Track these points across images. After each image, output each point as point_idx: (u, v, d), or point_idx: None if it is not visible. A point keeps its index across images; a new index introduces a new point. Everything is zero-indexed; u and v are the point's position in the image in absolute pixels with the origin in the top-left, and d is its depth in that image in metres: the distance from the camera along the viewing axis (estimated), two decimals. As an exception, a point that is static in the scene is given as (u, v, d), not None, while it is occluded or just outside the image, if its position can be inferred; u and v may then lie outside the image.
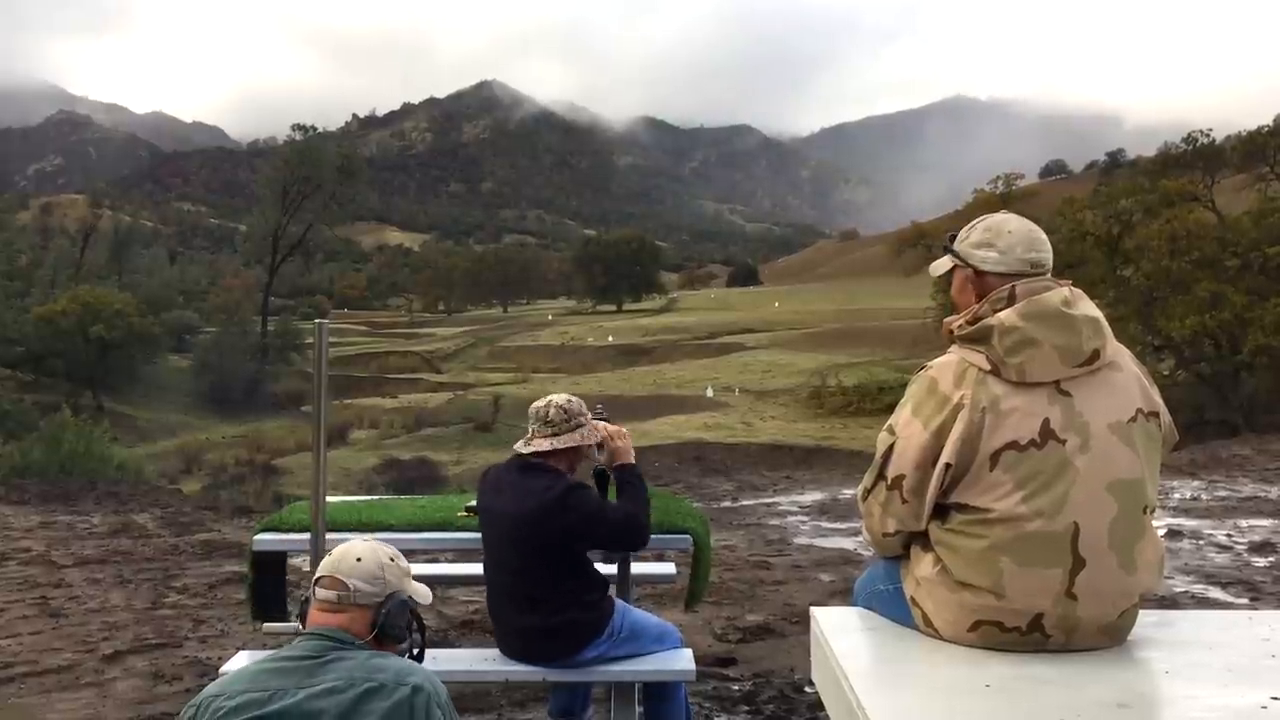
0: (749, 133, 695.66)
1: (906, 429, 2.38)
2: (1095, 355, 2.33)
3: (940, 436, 2.31)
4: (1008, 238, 2.45)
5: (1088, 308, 2.38)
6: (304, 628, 2.24)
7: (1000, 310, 2.35)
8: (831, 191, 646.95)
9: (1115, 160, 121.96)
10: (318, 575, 2.27)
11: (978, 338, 2.36)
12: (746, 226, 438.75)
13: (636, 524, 3.53)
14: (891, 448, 2.41)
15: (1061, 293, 2.37)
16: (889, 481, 2.41)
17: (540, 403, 3.69)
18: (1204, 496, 11.11)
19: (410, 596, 2.33)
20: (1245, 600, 6.70)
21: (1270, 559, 7.97)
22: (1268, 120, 41.52)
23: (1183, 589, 6.93)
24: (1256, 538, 8.74)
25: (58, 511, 11.55)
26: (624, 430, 3.77)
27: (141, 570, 7.96)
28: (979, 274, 2.46)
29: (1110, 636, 2.34)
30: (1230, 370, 28.59)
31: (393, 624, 2.22)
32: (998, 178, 59.75)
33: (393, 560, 2.31)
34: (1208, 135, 41.74)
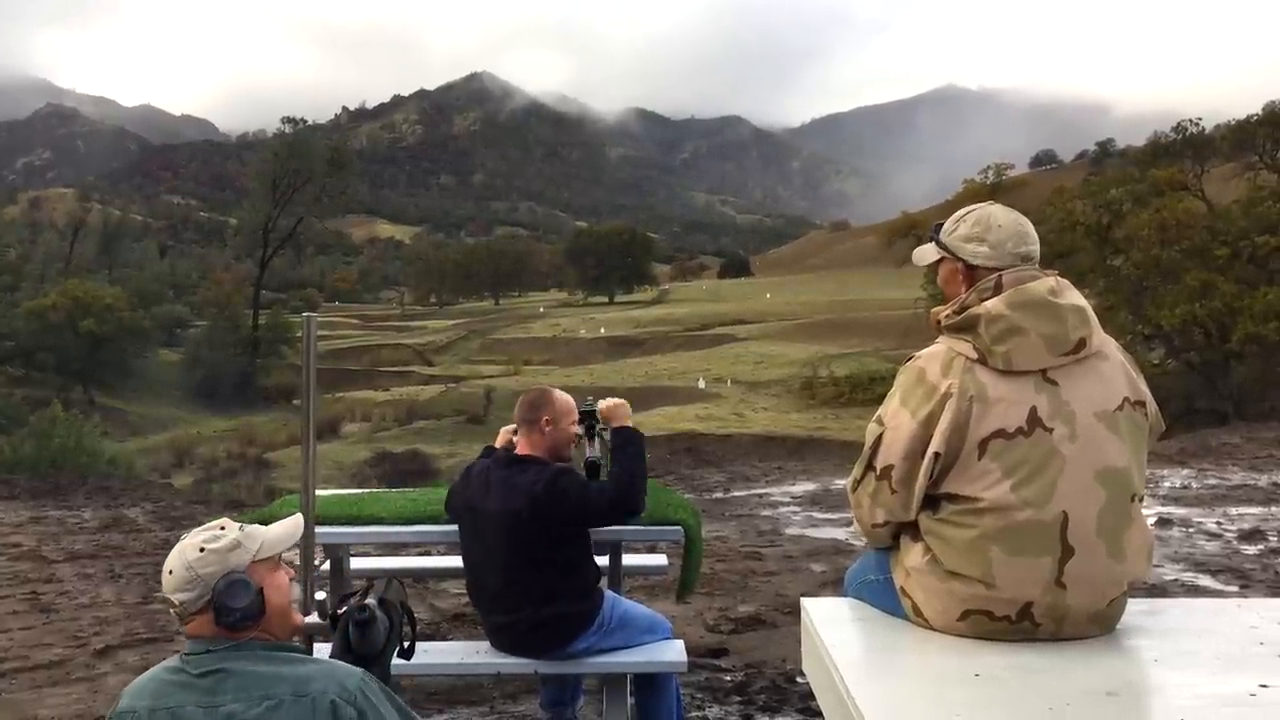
0: (740, 124, 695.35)
1: (894, 419, 2.39)
2: (1081, 344, 2.34)
3: (929, 426, 2.32)
4: (997, 232, 2.45)
5: (1074, 297, 2.39)
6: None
7: (987, 299, 2.36)
8: (822, 182, 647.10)
9: (1105, 150, 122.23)
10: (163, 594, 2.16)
11: (964, 327, 2.36)
12: (738, 218, 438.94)
13: (628, 491, 3.54)
14: (880, 438, 2.41)
15: (1048, 282, 2.38)
16: (878, 472, 2.41)
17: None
18: (1194, 485, 11.15)
19: (249, 565, 2.12)
20: (1234, 588, 6.73)
21: (1259, 547, 8.01)
22: (1256, 109, 41.68)
23: (1172, 577, 6.96)
24: (1246, 525, 8.77)
25: (48, 506, 11.51)
26: (618, 400, 3.88)
27: (132, 565, 7.94)
28: (970, 267, 2.47)
29: (1099, 625, 2.34)
30: (1220, 359, 28.66)
31: (228, 613, 2.07)
32: (988, 168, 60.07)
33: (204, 550, 2.10)
34: (1197, 124, 41.86)
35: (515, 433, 3.87)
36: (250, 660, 2.08)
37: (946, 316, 2.42)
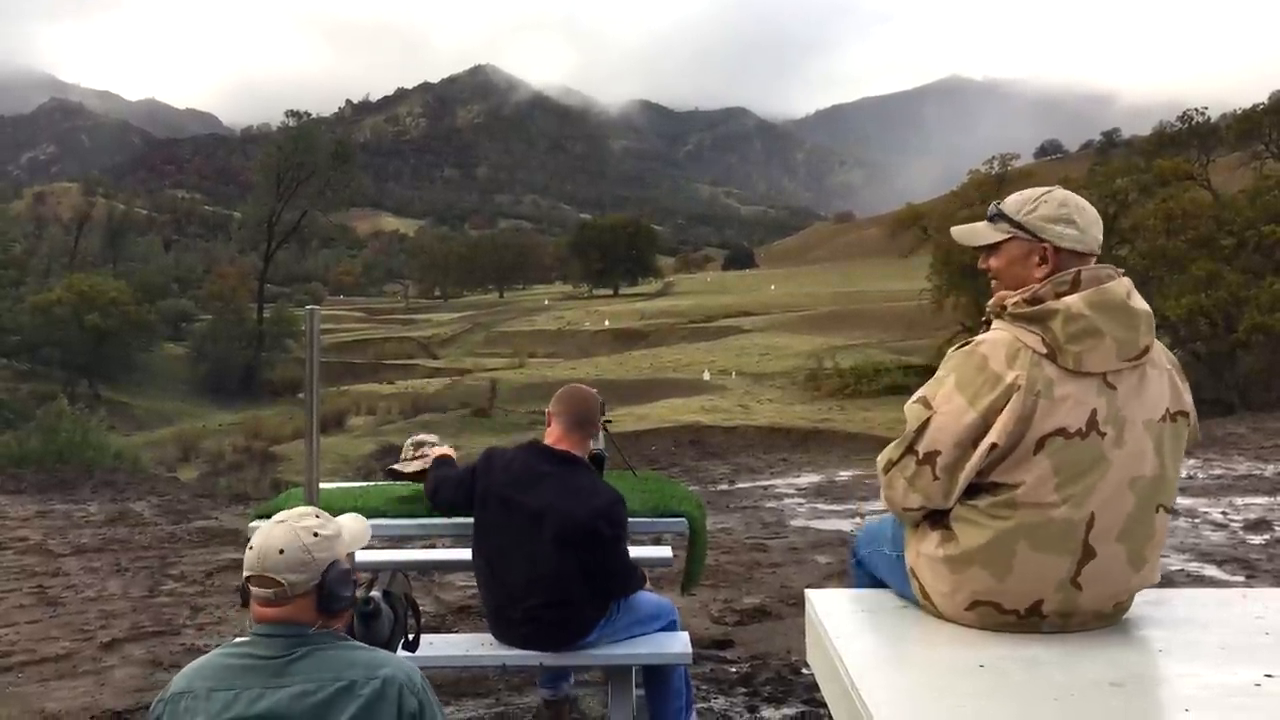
0: (744, 115, 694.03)
1: (947, 404, 2.30)
2: (1145, 351, 2.29)
3: (989, 416, 2.25)
4: (1085, 215, 2.37)
5: (1143, 302, 2.33)
6: (251, 619, 2.17)
7: (1064, 294, 2.28)
8: (827, 174, 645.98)
9: (1110, 140, 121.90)
10: (247, 574, 2.16)
11: (1035, 318, 2.28)
12: (742, 209, 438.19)
13: (630, 583, 3.67)
14: (928, 421, 2.32)
15: (1124, 283, 2.31)
16: (920, 456, 2.33)
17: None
18: (1200, 475, 11.14)
19: (348, 555, 2.22)
20: (1240, 578, 6.72)
21: (1265, 537, 8.00)
22: (1262, 98, 41.53)
23: (1178, 567, 6.95)
24: (1252, 515, 8.77)
25: (54, 500, 11.55)
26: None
27: (139, 558, 7.96)
28: (1056, 249, 2.36)
29: (1105, 621, 2.34)
30: (1226, 349, 28.56)
31: (335, 600, 2.14)
32: (993, 158, 59.61)
33: (316, 535, 2.17)
34: (1203, 114, 41.70)
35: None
36: (325, 647, 2.12)
37: (1015, 304, 2.33)
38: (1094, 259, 2.37)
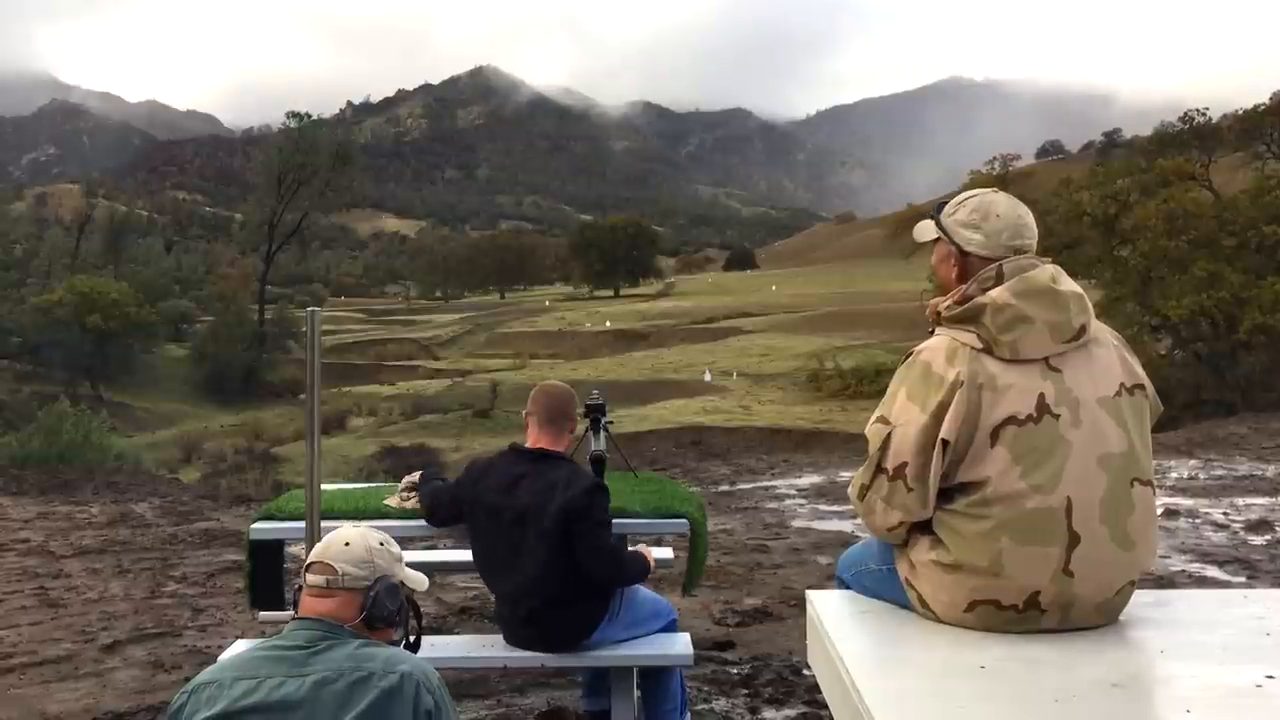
0: (745, 116, 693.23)
1: (903, 415, 2.35)
2: (1082, 330, 2.34)
3: (940, 416, 2.28)
4: (994, 222, 2.43)
5: (1071, 283, 2.39)
6: (297, 613, 2.25)
7: (989, 289, 2.35)
8: (828, 175, 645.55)
9: (1112, 140, 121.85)
10: (308, 561, 2.28)
11: (967, 317, 2.35)
12: (743, 210, 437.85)
13: (619, 574, 3.59)
14: (889, 437, 2.36)
15: (1048, 269, 2.38)
16: (890, 472, 2.35)
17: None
18: (1201, 475, 11.13)
19: (402, 581, 2.34)
20: (1241, 579, 6.72)
21: (1266, 538, 7.99)
22: (1263, 98, 41.47)
23: (1179, 568, 6.95)
24: (1253, 516, 8.76)
25: (56, 502, 11.55)
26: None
27: (140, 560, 7.96)
28: (963, 252, 2.45)
29: (1104, 614, 2.34)
30: (1227, 350, 28.51)
31: (381, 607, 2.23)
32: (994, 159, 59.73)
33: (382, 545, 2.31)
34: (1204, 114, 41.63)
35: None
36: (348, 642, 2.19)
37: (947, 308, 2.40)
38: (1021, 258, 2.41)
